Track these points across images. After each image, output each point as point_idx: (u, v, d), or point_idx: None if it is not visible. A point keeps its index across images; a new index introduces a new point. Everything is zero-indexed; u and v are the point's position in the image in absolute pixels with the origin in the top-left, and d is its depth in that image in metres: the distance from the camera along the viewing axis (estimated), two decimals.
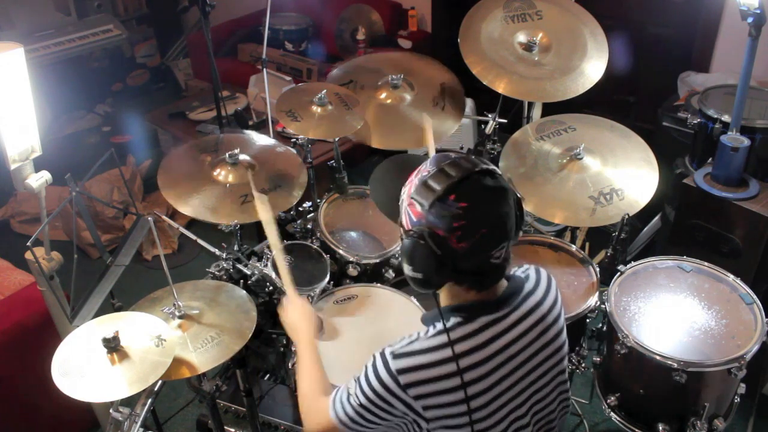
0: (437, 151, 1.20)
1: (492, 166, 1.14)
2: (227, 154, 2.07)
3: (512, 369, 1.20)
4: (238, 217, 1.99)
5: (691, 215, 2.38)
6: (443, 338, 1.15)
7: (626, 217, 1.99)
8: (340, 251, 2.17)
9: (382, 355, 1.17)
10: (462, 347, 1.15)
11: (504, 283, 1.22)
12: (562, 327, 1.28)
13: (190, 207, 1.97)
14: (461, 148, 2.55)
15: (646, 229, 3.05)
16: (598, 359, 2.02)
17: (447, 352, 1.15)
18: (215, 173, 2.08)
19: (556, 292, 1.29)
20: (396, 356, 1.15)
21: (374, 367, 1.18)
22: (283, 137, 3.25)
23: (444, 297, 1.23)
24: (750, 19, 2.00)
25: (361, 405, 1.19)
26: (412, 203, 1.12)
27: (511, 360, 1.19)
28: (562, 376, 1.30)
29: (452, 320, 1.18)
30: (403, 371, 1.14)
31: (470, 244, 1.09)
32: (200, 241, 2.04)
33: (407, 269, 1.14)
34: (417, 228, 1.11)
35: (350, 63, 2.62)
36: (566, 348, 1.29)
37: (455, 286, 1.19)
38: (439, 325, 1.18)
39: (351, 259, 2.16)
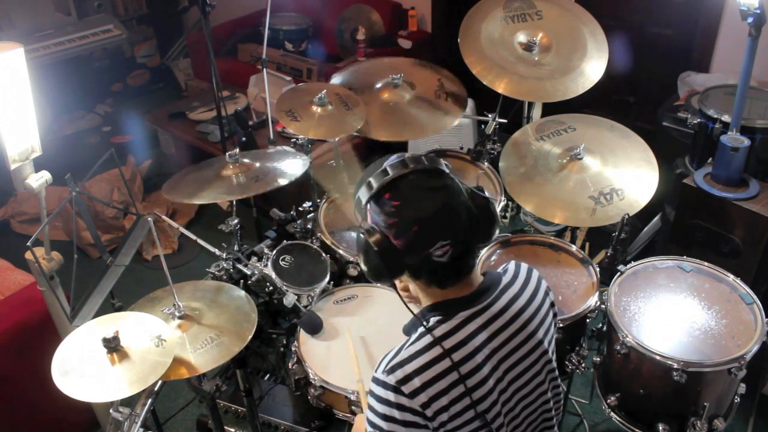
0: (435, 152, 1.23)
1: (438, 166, 1.15)
2: (227, 155, 2.08)
3: (497, 362, 1.20)
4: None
5: (691, 215, 2.38)
6: (428, 339, 1.16)
7: (626, 217, 1.99)
8: (340, 251, 2.17)
9: (376, 380, 1.16)
10: (449, 343, 1.16)
11: (480, 278, 1.24)
12: (545, 319, 1.27)
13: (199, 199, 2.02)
14: (461, 148, 2.55)
15: (646, 229, 3.05)
16: (598, 359, 2.02)
17: (437, 351, 1.15)
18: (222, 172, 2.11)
19: (536, 285, 1.29)
20: (389, 371, 1.14)
21: (377, 397, 1.16)
22: (283, 137, 3.25)
23: (422, 298, 1.24)
24: (750, 19, 2.00)
25: None
26: (359, 200, 1.17)
27: (494, 353, 1.19)
28: (550, 365, 1.29)
29: (432, 320, 1.19)
30: (402, 381, 1.13)
31: (405, 241, 1.12)
32: (200, 241, 2.04)
33: (361, 262, 1.18)
34: (365, 224, 1.16)
35: (345, 72, 2.60)
36: (549, 340, 1.28)
37: (417, 282, 1.20)
38: (421, 329, 1.18)
39: (351, 259, 2.16)
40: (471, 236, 1.17)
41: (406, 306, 1.22)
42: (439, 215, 1.12)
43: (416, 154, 1.17)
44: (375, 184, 1.13)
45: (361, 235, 1.14)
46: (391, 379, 1.13)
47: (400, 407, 1.13)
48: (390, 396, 1.13)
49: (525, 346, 1.23)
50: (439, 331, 1.16)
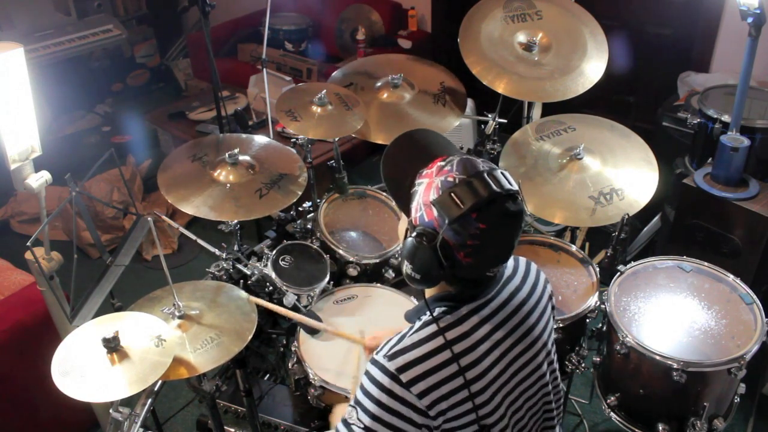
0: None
1: (515, 188, 1.12)
2: (227, 154, 2.07)
3: (500, 355, 1.20)
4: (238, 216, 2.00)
5: (691, 215, 2.38)
6: (432, 328, 1.16)
7: (626, 217, 1.99)
8: (340, 251, 2.17)
9: (375, 362, 1.16)
10: (452, 334, 1.16)
11: None
12: (544, 311, 1.28)
13: (191, 207, 1.97)
14: (461, 148, 2.55)
15: (646, 229, 3.05)
16: (598, 359, 2.02)
17: (439, 341, 1.15)
18: (215, 174, 2.08)
19: (536, 277, 1.30)
20: (391, 357, 1.14)
21: (371, 378, 1.15)
22: (283, 137, 3.25)
23: (429, 288, 1.24)
24: (750, 19, 2.00)
25: (366, 429, 1.15)
26: (431, 207, 1.11)
27: (497, 346, 1.20)
28: (549, 358, 1.30)
29: (437, 310, 1.19)
30: (402, 369, 1.13)
31: (475, 261, 1.12)
32: (200, 241, 2.04)
33: (407, 267, 1.15)
34: (427, 230, 1.11)
35: (349, 66, 2.61)
36: (549, 332, 1.29)
37: (444, 283, 1.21)
38: (425, 317, 1.19)
39: (351, 259, 2.16)
40: None
41: (424, 299, 1.21)
42: (513, 241, 1.14)
43: (494, 168, 1.12)
44: (463, 204, 1.06)
45: (424, 244, 1.10)
46: (391, 366, 1.13)
47: (390, 393, 1.13)
48: (385, 380, 1.13)
49: (526, 339, 1.24)
50: (442, 322, 1.17)
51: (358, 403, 1.17)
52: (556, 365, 1.33)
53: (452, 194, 1.08)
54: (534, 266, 1.33)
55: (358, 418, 1.15)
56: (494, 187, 1.08)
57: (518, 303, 1.24)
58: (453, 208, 1.07)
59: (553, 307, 1.34)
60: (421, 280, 1.14)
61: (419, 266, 1.12)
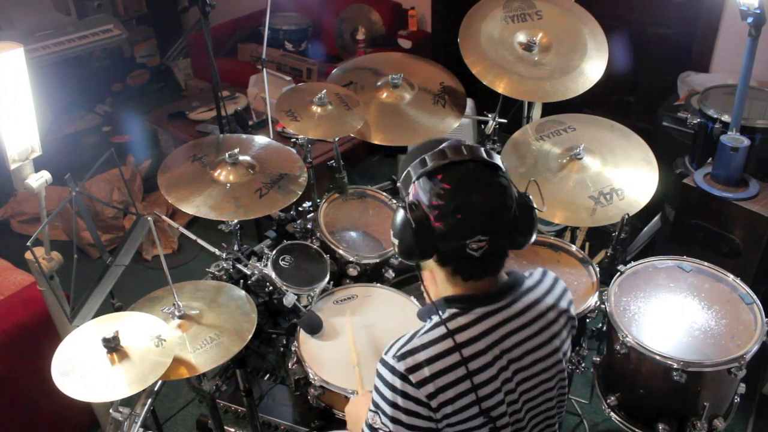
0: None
1: (496, 162, 1.16)
2: (227, 154, 2.07)
3: (507, 362, 1.20)
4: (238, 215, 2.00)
5: (691, 215, 2.38)
6: (442, 329, 1.16)
7: (626, 217, 1.99)
8: (340, 251, 2.17)
9: (385, 363, 1.16)
10: (461, 337, 1.16)
11: (504, 277, 1.24)
12: (564, 328, 1.27)
13: (191, 207, 1.97)
14: None
15: (646, 229, 3.05)
16: (598, 359, 2.02)
17: (448, 344, 1.15)
18: (215, 174, 2.08)
19: (560, 294, 1.29)
20: (400, 357, 1.15)
21: (383, 381, 1.16)
22: (283, 137, 3.25)
23: (441, 287, 1.24)
24: (750, 19, 2.00)
25: None
26: (410, 174, 1.17)
27: (506, 353, 1.19)
28: (561, 375, 1.29)
29: (448, 311, 1.19)
30: (411, 369, 1.13)
31: (445, 227, 1.12)
32: (200, 241, 2.04)
33: (394, 236, 1.19)
34: (408, 199, 1.17)
35: (350, 63, 2.62)
36: (565, 349, 1.29)
37: (443, 270, 1.20)
38: (436, 318, 1.19)
39: (351, 259, 2.16)
40: (508, 238, 1.18)
41: (426, 292, 1.23)
42: (485, 209, 1.13)
43: (475, 144, 1.17)
44: (430, 162, 1.13)
45: (401, 209, 1.15)
46: (401, 366, 1.14)
47: (404, 395, 1.14)
48: (396, 382, 1.14)
49: (540, 350, 1.23)
50: (453, 324, 1.17)
51: (377, 406, 1.18)
52: (566, 381, 1.32)
53: (424, 158, 1.15)
54: (560, 285, 1.31)
55: (383, 423, 1.17)
56: (464, 152, 1.14)
57: (537, 314, 1.23)
58: (420, 168, 1.14)
59: (573, 327, 1.32)
60: (401, 246, 1.17)
61: (397, 231, 1.17)
